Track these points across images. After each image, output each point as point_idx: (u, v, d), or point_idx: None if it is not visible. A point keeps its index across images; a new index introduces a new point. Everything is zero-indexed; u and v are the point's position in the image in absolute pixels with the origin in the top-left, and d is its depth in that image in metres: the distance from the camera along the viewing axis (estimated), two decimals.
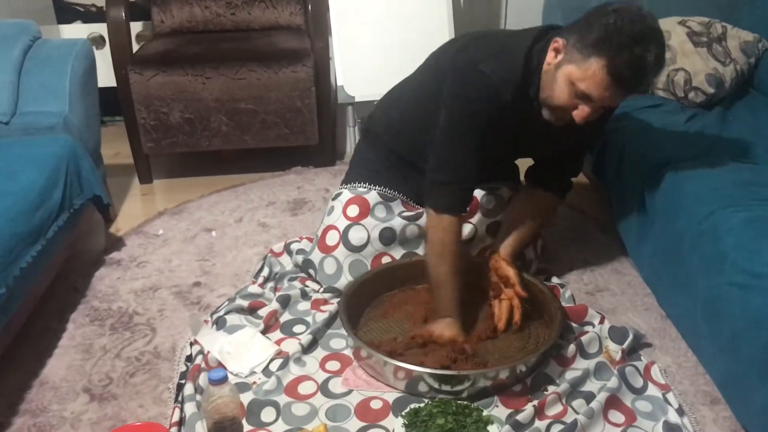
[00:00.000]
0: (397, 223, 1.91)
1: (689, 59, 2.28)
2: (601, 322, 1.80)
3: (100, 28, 3.20)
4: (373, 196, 1.93)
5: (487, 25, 3.20)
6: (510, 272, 1.76)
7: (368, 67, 2.74)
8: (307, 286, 1.98)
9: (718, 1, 2.56)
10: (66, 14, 3.29)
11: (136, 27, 3.19)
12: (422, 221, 1.92)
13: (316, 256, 1.97)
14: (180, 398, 1.57)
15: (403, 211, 1.95)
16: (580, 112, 1.52)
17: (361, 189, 1.94)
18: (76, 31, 3.25)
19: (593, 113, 1.53)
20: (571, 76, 1.49)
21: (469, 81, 1.62)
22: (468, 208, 1.75)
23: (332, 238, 1.92)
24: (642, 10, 1.49)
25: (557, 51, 1.54)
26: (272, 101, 2.66)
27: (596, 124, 1.63)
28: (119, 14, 2.60)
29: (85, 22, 3.30)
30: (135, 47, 2.86)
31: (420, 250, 1.94)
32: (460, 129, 1.65)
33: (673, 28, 2.37)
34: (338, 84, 2.77)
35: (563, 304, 1.84)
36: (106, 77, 2.78)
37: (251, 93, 2.64)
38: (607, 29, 1.44)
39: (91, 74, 2.43)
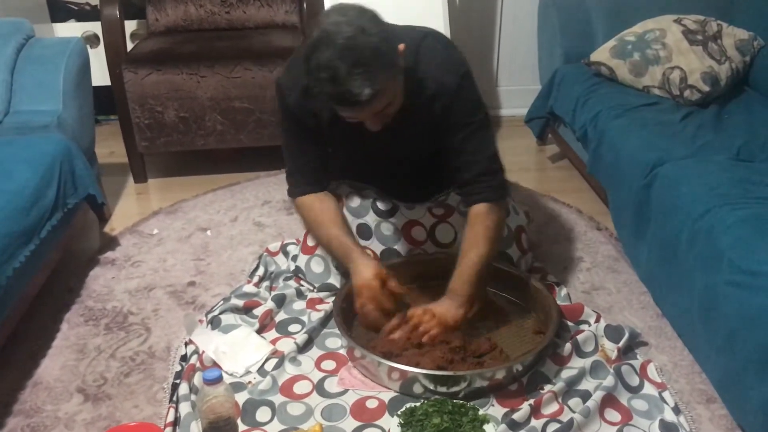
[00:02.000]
0: (371, 219, 1.92)
1: (685, 57, 2.28)
2: (597, 320, 1.79)
3: (94, 27, 3.19)
4: (343, 189, 1.95)
5: (482, 25, 3.20)
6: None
7: None
8: (302, 285, 1.98)
9: (713, 0, 2.57)
10: (60, 12, 3.28)
11: (130, 25, 3.18)
12: (396, 219, 1.93)
13: (301, 260, 1.97)
14: (175, 398, 1.56)
15: (376, 198, 1.93)
16: (368, 125, 1.57)
17: (331, 186, 1.92)
18: (70, 29, 3.23)
19: (375, 121, 1.55)
20: None
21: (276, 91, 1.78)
22: (324, 187, 1.84)
23: (312, 238, 1.94)
24: (328, 20, 1.45)
25: None
26: (267, 100, 2.65)
27: (423, 108, 1.64)
28: (113, 12, 2.58)
29: (78, 20, 3.28)
30: (129, 46, 2.84)
31: (398, 246, 1.93)
32: (281, 128, 1.84)
33: (668, 26, 2.37)
34: None
35: (559, 302, 1.84)
36: (100, 76, 2.77)
37: (246, 92, 2.64)
38: (306, 64, 1.46)
39: (85, 73, 2.41)
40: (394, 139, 1.71)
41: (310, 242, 1.95)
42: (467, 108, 1.68)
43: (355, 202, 1.92)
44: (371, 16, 1.46)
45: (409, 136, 1.72)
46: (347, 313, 1.75)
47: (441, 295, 1.71)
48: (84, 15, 3.30)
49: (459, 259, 1.70)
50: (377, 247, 1.92)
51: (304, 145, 1.80)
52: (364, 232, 1.91)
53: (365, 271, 1.68)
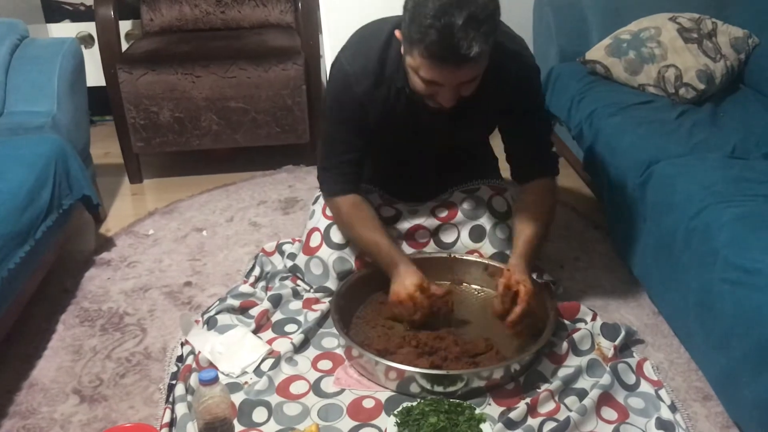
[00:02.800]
0: None
1: (680, 55, 2.28)
2: (594, 319, 1.79)
3: (89, 27, 3.18)
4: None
5: None
6: (522, 284, 1.61)
7: None
8: (299, 286, 1.97)
9: None
10: (54, 13, 3.27)
11: (125, 26, 3.18)
12: (399, 224, 1.94)
13: (301, 259, 1.97)
14: (171, 399, 1.55)
15: (381, 205, 1.95)
16: (442, 98, 1.50)
17: None
18: (65, 30, 3.23)
19: (455, 94, 1.49)
20: (411, 66, 1.48)
21: (332, 74, 1.70)
22: (358, 187, 1.81)
23: (315, 239, 1.92)
24: None
25: (401, 42, 1.52)
26: (263, 100, 2.65)
27: (498, 94, 1.62)
28: (108, 13, 2.58)
29: (73, 20, 3.28)
30: (124, 46, 2.84)
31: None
32: (330, 119, 1.75)
33: (663, 25, 2.38)
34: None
35: (553, 299, 1.84)
36: (95, 76, 2.77)
37: (241, 91, 2.63)
38: (413, 12, 1.39)
39: (79, 73, 2.41)
40: (453, 127, 1.70)
41: (313, 243, 1.93)
42: (538, 94, 1.77)
43: (371, 208, 1.91)
44: None
45: (471, 122, 1.70)
46: (344, 312, 1.75)
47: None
48: (78, 15, 3.30)
49: (522, 228, 1.73)
50: None
51: (352, 140, 1.74)
52: None
53: (409, 280, 1.67)
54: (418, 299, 1.66)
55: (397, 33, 1.50)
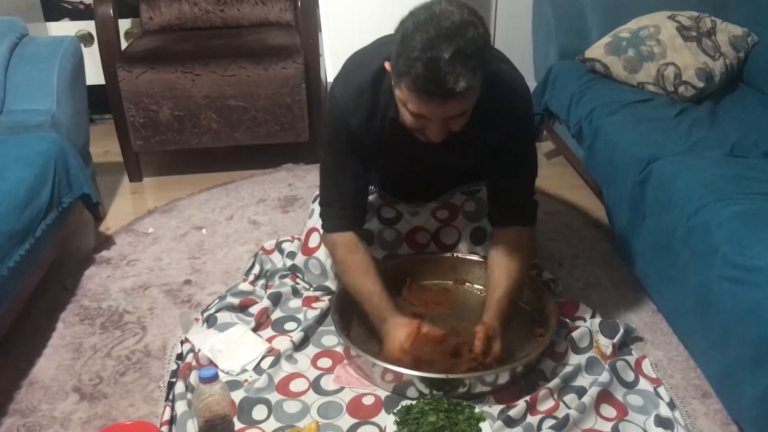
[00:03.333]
0: (374, 225, 1.91)
1: (679, 54, 2.28)
2: (593, 317, 1.80)
3: (88, 26, 3.18)
4: None
5: None
6: (494, 344, 1.56)
7: None
8: (298, 284, 1.97)
9: None
10: (53, 11, 3.27)
11: (124, 24, 3.17)
12: (399, 226, 1.93)
13: (300, 259, 1.97)
14: (171, 397, 1.56)
15: (381, 205, 1.94)
16: (430, 132, 1.47)
17: None
18: (64, 28, 3.23)
19: (443, 129, 1.45)
20: (399, 99, 1.45)
21: (328, 105, 1.67)
22: (359, 226, 1.75)
23: (314, 239, 1.92)
24: (437, 6, 1.37)
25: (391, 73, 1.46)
26: (262, 98, 2.65)
27: (487, 128, 1.58)
28: (107, 11, 2.58)
29: (72, 19, 3.28)
30: (123, 44, 2.84)
31: (401, 252, 1.94)
32: (327, 154, 1.71)
33: (663, 23, 2.38)
34: (328, 80, 2.76)
35: (555, 299, 1.84)
36: (94, 75, 2.77)
37: (241, 90, 2.63)
38: (401, 44, 1.37)
39: (79, 72, 2.41)
40: (445, 158, 1.68)
41: (312, 243, 1.93)
42: (528, 137, 1.74)
43: (367, 251, 1.90)
44: (478, 14, 1.40)
45: (462, 154, 1.68)
46: (344, 311, 1.75)
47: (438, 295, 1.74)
48: (78, 14, 3.30)
49: (497, 279, 1.66)
50: (379, 253, 1.92)
51: (351, 173, 1.70)
52: (367, 238, 1.90)
53: (399, 334, 1.56)
54: (414, 350, 1.55)
55: (387, 65, 1.47)
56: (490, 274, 1.70)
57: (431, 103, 1.38)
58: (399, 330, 1.57)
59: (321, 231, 1.89)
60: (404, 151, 1.66)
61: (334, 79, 1.67)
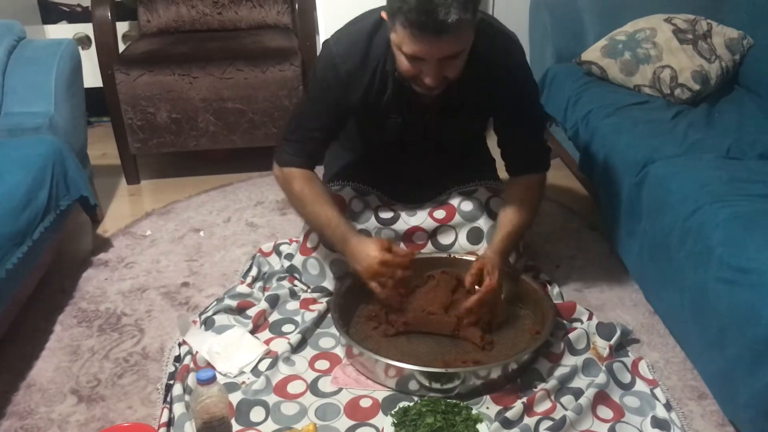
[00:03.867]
0: (372, 225, 1.91)
1: (675, 56, 2.29)
2: (589, 318, 1.80)
3: (86, 28, 3.18)
4: (347, 192, 1.93)
5: None
6: (489, 276, 1.66)
7: None
8: (296, 286, 1.98)
9: None
10: (51, 14, 3.27)
11: (122, 27, 3.18)
12: (397, 226, 1.93)
13: (298, 260, 1.97)
14: (169, 399, 1.56)
15: (379, 206, 1.95)
16: (426, 75, 1.48)
17: (335, 187, 1.94)
18: (62, 31, 3.23)
19: (439, 72, 1.47)
20: (395, 43, 1.48)
21: (320, 53, 1.72)
22: (312, 165, 1.79)
23: (313, 239, 1.93)
24: None
25: (387, 21, 1.50)
26: (260, 100, 2.66)
27: (487, 84, 1.62)
28: (105, 14, 2.58)
29: (70, 22, 3.28)
30: (121, 47, 2.84)
31: None
32: (309, 95, 1.76)
33: (659, 26, 2.38)
34: None
35: (551, 300, 1.85)
36: (92, 77, 2.77)
37: (239, 92, 2.64)
38: None
39: (76, 74, 2.41)
40: (442, 115, 1.70)
41: (309, 244, 1.94)
42: (529, 90, 1.77)
43: (358, 207, 1.92)
44: None
45: (459, 115, 1.70)
46: (344, 310, 1.75)
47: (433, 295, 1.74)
48: (75, 17, 3.30)
49: (506, 218, 1.76)
50: None
51: (323, 117, 1.73)
52: None
53: (370, 249, 1.66)
54: (391, 259, 1.64)
55: (383, 14, 1.51)
56: (501, 215, 1.79)
57: (425, 39, 1.41)
58: (368, 245, 1.66)
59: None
60: (398, 111, 1.67)
61: (332, 35, 1.70)
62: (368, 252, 1.65)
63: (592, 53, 2.48)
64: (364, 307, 1.84)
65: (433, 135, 1.81)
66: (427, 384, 1.54)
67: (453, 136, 1.84)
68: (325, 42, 1.69)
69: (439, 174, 1.97)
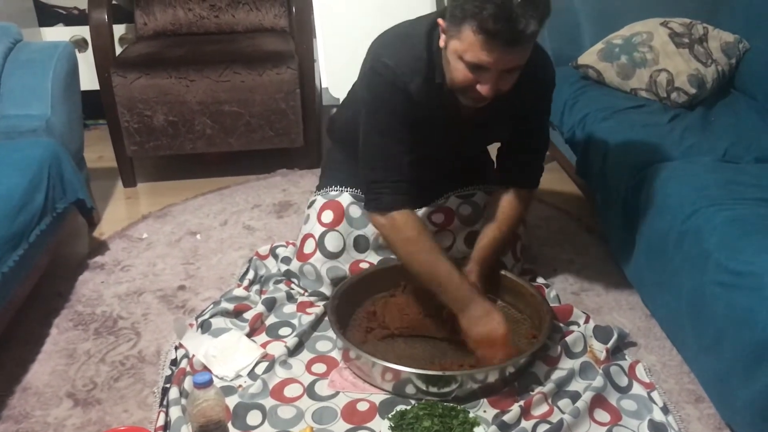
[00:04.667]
0: (370, 231, 1.91)
1: (671, 60, 2.30)
2: (586, 321, 1.80)
3: (83, 31, 3.18)
4: (345, 198, 1.92)
5: None
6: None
7: (353, 69, 2.71)
8: (293, 289, 1.98)
9: (699, 3, 2.59)
10: (48, 17, 3.27)
11: (118, 30, 3.17)
12: None
13: (295, 265, 1.97)
14: (165, 402, 1.55)
15: None
16: (483, 86, 1.45)
17: (333, 193, 1.93)
18: (58, 33, 3.22)
19: (496, 83, 1.44)
20: (456, 51, 1.43)
21: (374, 76, 1.59)
22: (416, 202, 1.76)
23: (309, 246, 1.92)
24: None
25: (443, 31, 1.48)
26: (257, 103, 2.66)
27: (522, 96, 1.58)
28: (102, 17, 2.58)
29: (67, 24, 3.28)
30: (118, 50, 2.84)
31: (395, 256, 1.93)
32: (378, 125, 1.61)
33: (655, 29, 2.39)
34: (323, 86, 2.77)
35: (548, 303, 1.85)
36: (88, 80, 2.77)
37: (235, 95, 2.63)
38: None
39: (73, 77, 2.41)
40: (478, 130, 1.70)
41: (307, 249, 1.93)
42: (550, 101, 1.77)
43: (357, 213, 1.91)
44: None
45: (498, 122, 1.69)
46: (341, 312, 1.75)
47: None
48: (72, 19, 3.30)
49: (491, 231, 1.77)
50: (374, 258, 1.93)
51: (404, 147, 1.60)
52: (361, 243, 1.91)
53: (498, 329, 1.56)
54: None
55: (440, 21, 1.47)
56: (485, 224, 1.80)
57: (497, 48, 1.37)
58: (498, 315, 1.58)
59: (317, 237, 1.89)
60: (448, 120, 1.65)
61: (374, 54, 1.60)
62: (494, 327, 1.56)
63: (589, 57, 2.48)
64: (360, 310, 1.84)
65: (464, 146, 1.80)
66: (424, 387, 1.54)
67: (481, 146, 1.84)
68: (377, 63, 1.57)
69: (439, 176, 1.97)
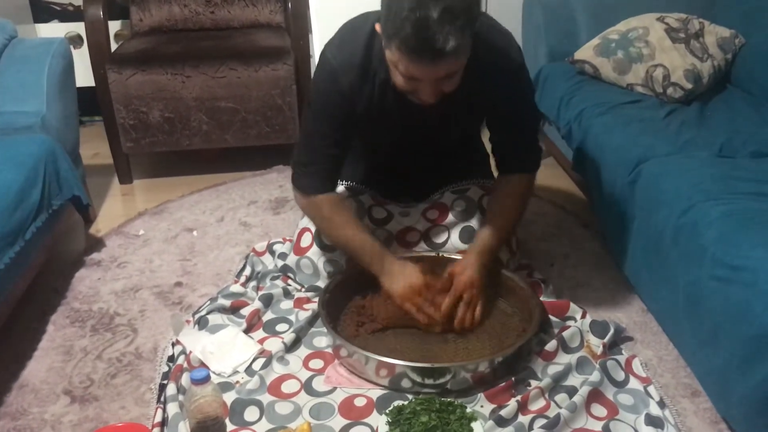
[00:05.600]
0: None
1: (667, 55, 2.30)
2: (583, 316, 1.80)
3: (78, 27, 3.17)
4: (340, 190, 1.93)
5: None
6: (470, 283, 1.69)
7: None
8: (290, 285, 1.97)
9: None
10: (43, 13, 3.26)
11: (114, 26, 3.17)
12: (390, 226, 1.94)
13: (292, 259, 1.97)
14: (162, 399, 1.55)
15: (372, 206, 1.95)
16: (422, 94, 1.47)
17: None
18: (53, 30, 3.22)
19: (435, 89, 1.46)
20: (390, 60, 1.46)
21: (318, 67, 1.67)
22: (335, 187, 1.78)
23: (306, 239, 1.93)
24: None
25: (381, 36, 1.48)
26: (253, 99, 2.65)
27: (484, 86, 1.60)
28: (97, 13, 2.57)
29: (62, 21, 3.27)
30: (113, 46, 2.83)
31: (391, 250, 1.93)
32: (313, 112, 1.70)
33: (651, 25, 2.39)
34: None
35: (545, 299, 1.85)
36: (84, 77, 2.76)
37: (231, 91, 2.63)
38: (389, 5, 1.37)
39: (68, 73, 2.40)
40: (443, 119, 1.69)
41: (304, 243, 1.93)
42: (526, 84, 1.75)
43: (351, 207, 1.91)
44: None
45: (458, 116, 1.69)
46: (332, 306, 1.75)
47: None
48: (67, 15, 3.29)
49: (492, 218, 1.77)
50: None
51: (335, 136, 1.69)
52: None
53: (413, 274, 1.67)
54: (433, 284, 1.66)
55: (377, 26, 1.48)
56: (488, 214, 1.81)
57: (421, 64, 1.39)
58: (409, 269, 1.68)
59: (313, 230, 1.90)
60: (400, 117, 1.66)
61: (326, 45, 1.66)
62: (410, 276, 1.66)
63: (585, 52, 2.49)
64: (351, 304, 1.83)
65: (432, 137, 1.81)
66: (419, 380, 1.54)
67: (452, 137, 1.84)
68: (322, 55, 1.65)
69: (432, 170, 1.97)
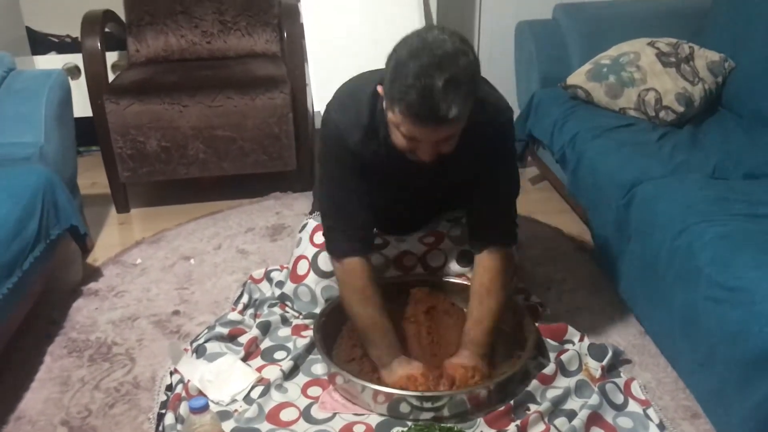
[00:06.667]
0: None
1: (659, 79, 2.33)
2: (581, 339, 1.80)
3: (75, 59, 3.19)
4: None
5: None
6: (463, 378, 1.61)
7: None
8: (287, 312, 1.97)
9: (684, 23, 2.63)
10: (40, 45, 3.28)
11: (111, 57, 3.19)
12: (386, 251, 1.94)
13: (289, 287, 1.96)
14: (161, 428, 1.55)
15: None
16: (421, 153, 1.49)
17: None
18: (51, 61, 3.24)
19: (434, 150, 1.48)
20: (392, 122, 1.47)
21: (323, 128, 1.68)
22: (370, 249, 1.74)
23: (302, 267, 1.92)
24: (429, 34, 1.40)
25: (383, 97, 1.50)
26: (249, 128, 2.67)
27: (476, 143, 1.59)
28: (95, 44, 2.60)
29: (59, 52, 3.29)
30: (110, 77, 2.85)
31: (387, 274, 1.95)
32: (327, 174, 1.71)
33: (642, 49, 2.42)
34: (315, 109, 2.79)
35: (543, 323, 1.85)
36: (81, 107, 2.77)
37: (228, 120, 2.65)
38: (395, 71, 1.40)
39: (66, 104, 2.42)
40: (440, 177, 1.69)
41: (300, 271, 1.93)
42: (511, 150, 1.75)
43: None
44: (468, 42, 1.43)
45: (455, 173, 1.69)
46: (328, 329, 1.76)
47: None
48: (65, 47, 3.31)
49: (475, 307, 1.69)
50: None
51: (355, 195, 1.67)
52: None
53: (414, 369, 1.61)
54: (422, 380, 1.60)
55: (379, 89, 1.50)
56: (471, 305, 1.71)
57: (424, 128, 1.41)
58: (415, 365, 1.62)
59: (309, 258, 1.90)
60: (401, 173, 1.67)
61: (327, 106, 1.68)
62: (410, 369, 1.61)
63: (577, 77, 2.52)
64: (347, 327, 1.82)
65: (428, 192, 1.81)
66: (417, 404, 1.54)
67: (448, 192, 1.84)
68: (327, 116, 1.66)
69: (431, 215, 1.99)
